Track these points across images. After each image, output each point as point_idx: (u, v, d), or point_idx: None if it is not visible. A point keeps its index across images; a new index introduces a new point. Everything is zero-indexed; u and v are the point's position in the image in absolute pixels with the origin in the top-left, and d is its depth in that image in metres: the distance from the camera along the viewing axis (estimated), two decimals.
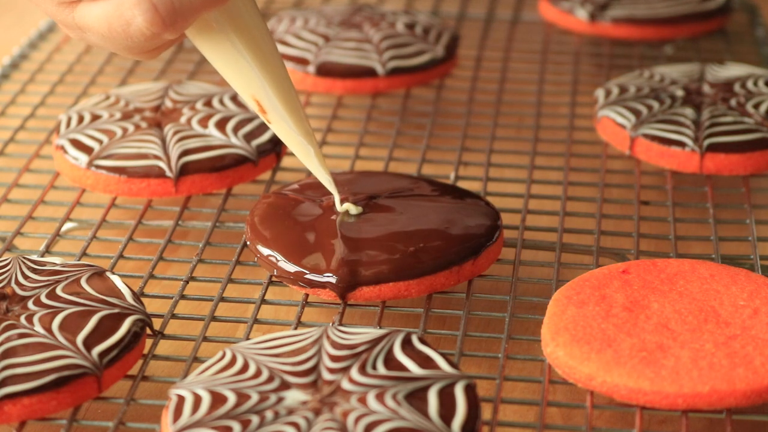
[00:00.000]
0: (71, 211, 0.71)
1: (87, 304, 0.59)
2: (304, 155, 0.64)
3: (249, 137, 0.74)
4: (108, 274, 0.62)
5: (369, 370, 0.54)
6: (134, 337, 0.58)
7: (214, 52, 0.60)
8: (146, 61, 0.81)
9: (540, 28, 0.97)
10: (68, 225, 0.71)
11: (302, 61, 0.84)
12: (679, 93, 0.79)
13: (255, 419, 0.52)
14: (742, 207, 0.72)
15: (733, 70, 0.82)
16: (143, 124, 0.75)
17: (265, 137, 0.74)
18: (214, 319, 0.63)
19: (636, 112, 0.77)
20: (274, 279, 0.65)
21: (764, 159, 0.74)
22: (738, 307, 0.60)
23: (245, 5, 0.60)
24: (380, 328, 0.61)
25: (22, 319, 0.58)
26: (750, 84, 0.80)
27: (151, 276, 0.66)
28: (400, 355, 0.55)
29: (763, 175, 0.75)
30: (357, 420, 0.51)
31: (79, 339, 0.57)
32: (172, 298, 0.64)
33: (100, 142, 0.73)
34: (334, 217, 0.66)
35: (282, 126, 0.62)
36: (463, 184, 0.74)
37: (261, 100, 0.61)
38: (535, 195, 0.74)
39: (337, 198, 0.66)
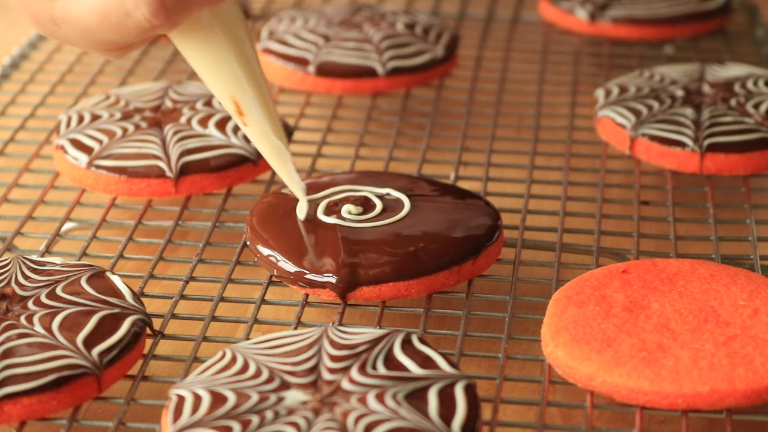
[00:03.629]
0: (71, 211, 0.71)
1: (87, 304, 0.59)
2: (276, 158, 0.64)
3: None
4: (108, 274, 0.62)
5: (369, 370, 0.54)
6: (134, 337, 0.58)
7: (197, 50, 0.60)
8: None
9: (540, 28, 0.97)
10: (68, 225, 0.71)
11: (302, 61, 0.84)
12: (679, 93, 0.79)
13: (255, 419, 0.52)
14: (742, 207, 0.72)
15: (733, 70, 0.82)
16: (143, 124, 0.75)
17: None
18: (214, 319, 0.63)
19: (636, 112, 0.77)
20: (274, 279, 0.65)
21: (764, 159, 0.74)
22: (738, 307, 0.60)
23: (232, 7, 0.60)
24: (380, 328, 0.61)
25: (22, 319, 0.58)
26: (750, 84, 0.80)
27: (151, 276, 0.66)
28: (400, 355, 0.55)
29: (763, 175, 0.75)
30: (357, 420, 0.51)
31: (79, 339, 0.57)
32: (172, 298, 0.64)
33: (100, 142, 0.73)
34: (334, 217, 0.66)
35: (258, 128, 0.63)
36: (463, 184, 0.74)
37: (240, 102, 0.61)
38: (535, 195, 0.74)
39: (304, 204, 0.66)
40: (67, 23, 0.57)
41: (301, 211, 0.66)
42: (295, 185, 0.65)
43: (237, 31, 0.60)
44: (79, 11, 0.57)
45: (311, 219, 0.66)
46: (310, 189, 0.69)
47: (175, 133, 0.74)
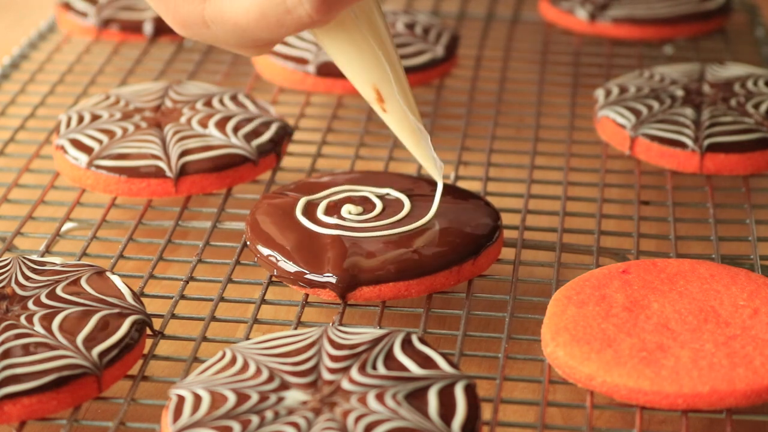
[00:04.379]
0: (71, 211, 0.71)
1: (87, 304, 0.59)
2: (416, 142, 0.64)
3: (249, 137, 0.74)
4: (108, 274, 0.62)
5: (369, 370, 0.54)
6: (134, 337, 0.58)
7: (343, 42, 0.61)
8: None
9: (540, 28, 0.97)
10: (68, 225, 0.71)
11: (302, 61, 0.84)
12: (679, 93, 0.79)
13: (255, 419, 0.52)
14: (742, 207, 0.72)
15: (733, 70, 0.82)
16: (143, 124, 0.75)
17: (265, 137, 0.74)
18: (214, 319, 0.63)
19: (636, 112, 0.77)
20: (274, 279, 0.65)
21: (764, 159, 0.74)
22: (738, 307, 0.60)
23: None
24: (380, 328, 0.61)
25: (22, 319, 0.58)
26: (750, 84, 0.80)
27: (151, 276, 0.66)
28: (400, 355, 0.55)
29: (763, 175, 0.75)
30: (357, 420, 0.51)
31: (79, 339, 0.57)
32: (172, 298, 0.64)
33: (100, 142, 0.73)
34: (334, 217, 0.66)
35: (398, 114, 0.63)
36: (463, 184, 0.74)
37: (382, 89, 0.62)
38: (535, 195, 0.74)
39: (440, 187, 0.66)
40: (219, 23, 0.58)
41: (438, 198, 0.66)
42: (433, 167, 0.65)
43: (377, 19, 0.61)
44: (234, 11, 0.57)
45: (311, 219, 0.66)
46: (311, 189, 0.69)
47: (175, 133, 0.74)
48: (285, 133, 0.76)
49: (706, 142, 0.74)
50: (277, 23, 0.56)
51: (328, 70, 0.83)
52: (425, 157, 0.65)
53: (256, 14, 0.56)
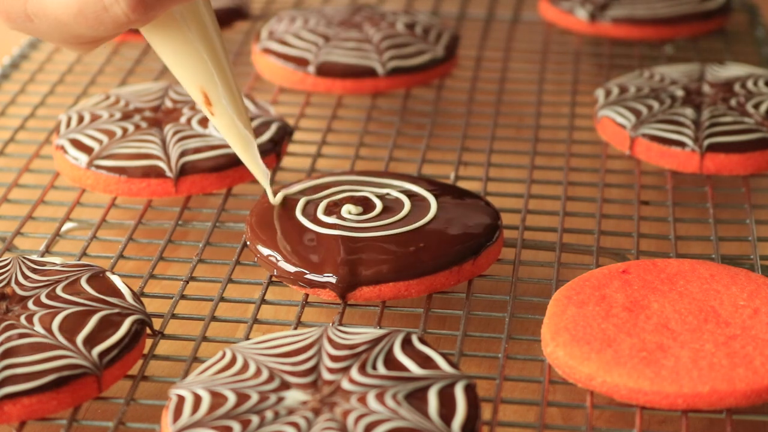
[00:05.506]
0: (71, 211, 0.71)
1: (87, 304, 0.59)
2: (243, 147, 0.65)
3: None
4: (108, 274, 0.62)
5: (369, 370, 0.54)
6: (134, 337, 0.58)
7: (168, 43, 0.61)
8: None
9: (540, 28, 0.97)
10: (68, 225, 0.71)
11: (302, 61, 0.84)
12: (679, 93, 0.79)
13: (255, 419, 0.52)
14: (742, 207, 0.72)
15: (733, 70, 0.82)
16: (143, 124, 0.75)
17: (264, 137, 0.74)
18: (214, 319, 0.63)
19: (636, 112, 0.77)
20: (274, 279, 0.65)
21: (764, 159, 0.74)
22: (738, 307, 0.60)
23: (203, 0, 0.61)
24: (380, 328, 0.61)
25: (22, 319, 0.58)
26: (750, 84, 0.80)
27: (151, 276, 0.66)
28: (400, 355, 0.55)
29: (763, 175, 0.75)
30: (357, 420, 0.51)
31: (79, 339, 0.57)
32: (172, 298, 0.64)
33: (100, 142, 0.73)
34: (334, 217, 0.66)
35: (225, 119, 0.64)
36: (463, 184, 0.74)
37: (209, 92, 0.63)
38: (535, 195, 0.74)
39: (269, 191, 0.67)
40: (41, 17, 0.58)
41: (272, 198, 0.67)
42: (260, 173, 0.66)
43: (207, 23, 0.61)
44: (55, 6, 0.57)
45: (311, 219, 0.66)
46: (310, 189, 0.69)
47: (175, 133, 0.74)
48: (285, 133, 0.76)
49: (706, 142, 0.74)
50: (95, 20, 0.57)
51: (328, 70, 0.83)
52: (252, 164, 0.65)
53: (74, 10, 0.56)
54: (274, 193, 0.68)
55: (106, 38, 0.59)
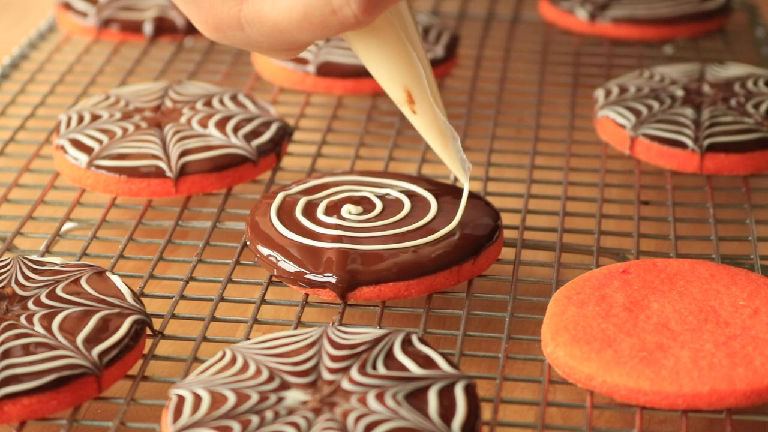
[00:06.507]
0: (71, 211, 0.71)
1: (87, 304, 0.59)
2: (444, 143, 0.63)
3: (249, 137, 0.74)
4: (108, 274, 0.62)
5: (369, 370, 0.54)
6: (134, 337, 0.58)
7: (379, 44, 0.60)
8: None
9: (540, 28, 0.97)
10: (68, 225, 0.71)
11: (302, 61, 0.84)
12: (679, 93, 0.79)
13: (255, 419, 0.52)
14: (742, 207, 0.72)
15: (733, 70, 0.82)
16: (143, 124, 0.75)
17: (265, 137, 0.74)
18: (214, 319, 0.63)
19: (636, 112, 0.77)
20: (274, 279, 0.65)
21: (764, 159, 0.74)
22: (738, 307, 0.60)
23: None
24: (380, 328, 0.61)
25: (22, 319, 0.58)
26: (750, 84, 0.80)
27: (151, 276, 0.66)
28: (400, 355, 0.55)
29: (763, 175, 0.75)
30: (357, 420, 0.51)
31: (79, 339, 0.57)
32: (172, 298, 0.64)
33: (100, 142, 0.73)
34: (334, 217, 0.66)
35: (429, 115, 0.62)
36: None
37: (414, 90, 0.61)
38: (535, 195, 0.74)
39: (466, 188, 0.65)
40: (255, 25, 0.56)
41: (464, 202, 0.66)
42: (460, 169, 0.64)
43: (409, 19, 0.61)
44: (275, 12, 0.55)
45: (311, 219, 0.66)
46: (310, 189, 0.69)
47: (175, 133, 0.74)
48: (285, 133, 0.76)
49: (706, 142, 0.74)
50: (320, 24, 0.55)
51: (328, 70, 0.83)
52: (453, 159, 0.64)
53: (299, 15, 0.55)
54: (274, 195, 0.68)
55: (315, 42, 0.57)
